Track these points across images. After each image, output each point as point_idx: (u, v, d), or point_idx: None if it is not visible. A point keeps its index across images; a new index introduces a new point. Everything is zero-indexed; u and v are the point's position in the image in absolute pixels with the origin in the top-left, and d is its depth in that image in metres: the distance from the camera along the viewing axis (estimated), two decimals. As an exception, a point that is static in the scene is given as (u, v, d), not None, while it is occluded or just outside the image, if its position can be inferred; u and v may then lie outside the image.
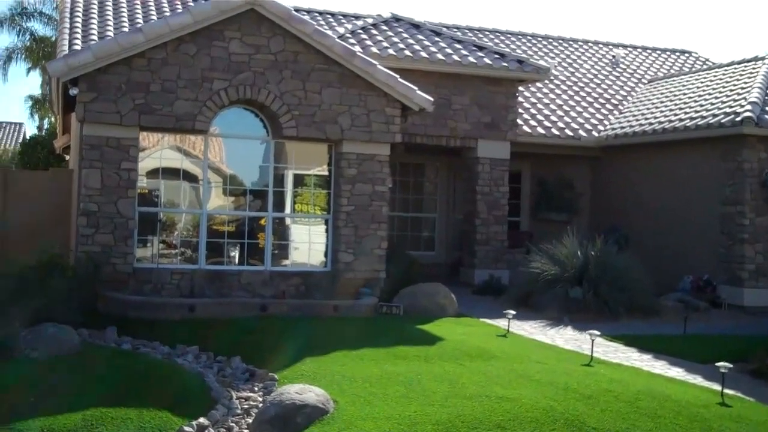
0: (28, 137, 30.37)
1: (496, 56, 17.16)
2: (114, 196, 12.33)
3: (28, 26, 29.24)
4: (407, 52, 16.33)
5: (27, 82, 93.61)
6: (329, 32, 15.97)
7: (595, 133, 18.72)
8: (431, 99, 13.77)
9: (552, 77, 21.46)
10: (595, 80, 22.28)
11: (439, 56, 16.51)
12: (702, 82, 19.22)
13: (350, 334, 10.62)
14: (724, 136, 15.47)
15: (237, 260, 13.44)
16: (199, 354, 10.13)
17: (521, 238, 18.04)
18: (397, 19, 18.34)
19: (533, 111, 19.21)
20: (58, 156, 22.77)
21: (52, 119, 24.78)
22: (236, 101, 12.89)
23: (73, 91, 12.15)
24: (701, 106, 17.06)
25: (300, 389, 7.49)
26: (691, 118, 16.52)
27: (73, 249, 12.59)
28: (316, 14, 20.08)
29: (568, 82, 21.61)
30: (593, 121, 19.36)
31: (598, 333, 10.34)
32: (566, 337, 11.81)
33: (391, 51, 16.25)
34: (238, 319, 11.56)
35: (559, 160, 19.26)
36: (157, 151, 13.25)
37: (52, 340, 8.85)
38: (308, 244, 13.80)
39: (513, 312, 11.91)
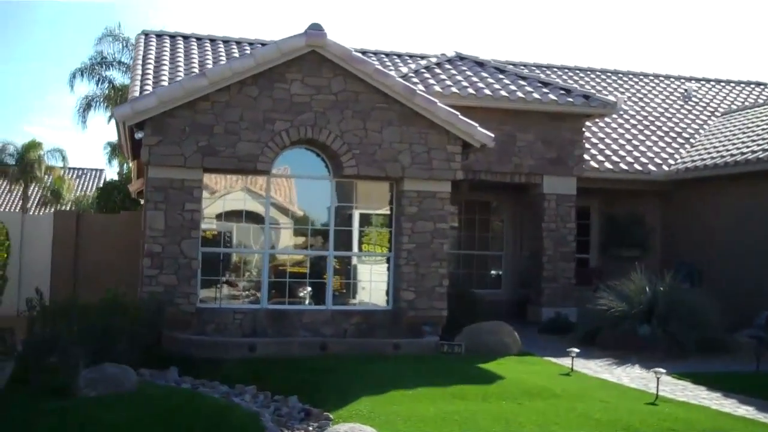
0: (105, 182, 31.26)
1: (562, 92, 17.02)
2: (178, 237, 12.55)
3: (107, 75, 30.17)
4: (470, 90, 16.33)
5: (107, 129, 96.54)
6: (393, 72, 16.18)
7: (665, 167, 18.34)
8: (492, 135, 13.70)
9: (621, 112, 21.21)
10: (666, 114, 21.89)
11: (503, 93, 16.45)
12: (776, 114, 18.73)
13: (408, 373, 10.51)
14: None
15: (301, 300, 13.47)
16: (257, 393, 10.11)
17: (589, 275, 17.71)
18: (461, 57, 18.39)
19: (601, 146, 18.95)
20: (134, 200, 23.35)
21: (130, 164, 25.57)
22: (297, 141, 13.04)
23: (138, 135, 12.48)
24: (775, 138, 16.59)
25: (350, 428, 7.42)
26: (764, 150, 16.05)
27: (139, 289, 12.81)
28: (383, 56, 20.26)
29: (638, 117, 21.28)
30: (663, 155, 19.00)
31: (664, 371, 10.05)
32: (632, 376, 11.47)
33: (453, 89, 16.28)
34: (298, 358, 11.57)
35: (628, 195, 18.92)
36: (227, 193, 13.48)
37: (111, 379, 8.95)
38: (370, 282, 13.79)
39: (577, 350, 11.66)
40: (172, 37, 20.61)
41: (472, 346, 12.61)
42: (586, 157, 17.92)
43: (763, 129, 17.91)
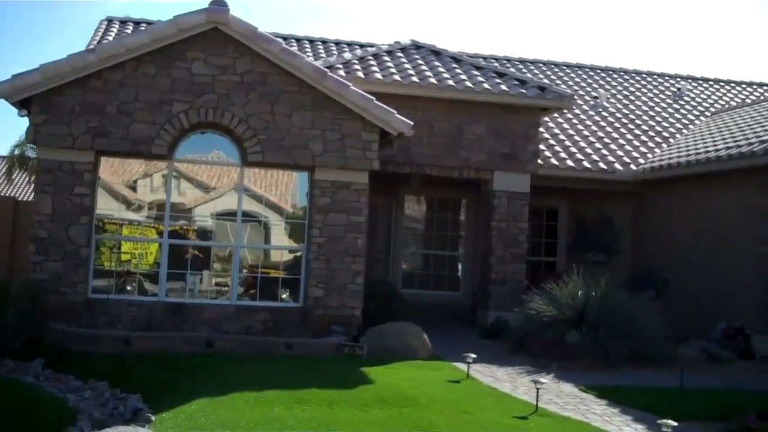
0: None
1: (516, 83, 15.93)
2: (66, 222, 11.82)
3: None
4: (414, 78, 15.32)
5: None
6: (336, 58, 15.35)
7: (633, 167, 17.10)
8: (411, 123, 12.73)
9: (601, 108, 20.10)
10: (652, 112, 20.62)
11: (450, 82, 15.42)
12: (762, 113, 17.40)
13: (278, 374, 9.62)
14: (761, 166, 13.69)
15: (200, 293, 12.66)
16: (105, 391, 9.26)
17: (544, 278, 16.53)
18: (417, 46, 17.39)
19: (568, 143, 17.80)
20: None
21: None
22: (198, 125, 12.23)
23: (21, 114, 11.77)
24: (747, 137, 15.31)
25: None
26: (728, 147, 14.81)
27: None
28: (331, 44, 19.31)
29: (618, 114, 20.05)
30: (635, 154, 17.76)
31: (546, 380, 9.17)
32: (535, 387, 10.25)
33: (396, 77, 15.29)
34: (174, 354, 10.76)
35: (598, 196, 17.72)
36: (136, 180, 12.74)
37: None
38: (280, 277, 12.87)
39: (473, 355, 10.66)
40: (137, 23, 19.98)
41: (377, 349, 11.64)
42: (547, 153, 16.85)
43: (740, 128, 16.62)
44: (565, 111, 18.00)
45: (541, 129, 17.78)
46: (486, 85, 15.53)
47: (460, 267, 18.11)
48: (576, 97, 18.91)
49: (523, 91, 15.60)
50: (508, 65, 21.24)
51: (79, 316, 11.83)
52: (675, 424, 7.53)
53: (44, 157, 11.86)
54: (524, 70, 21.16)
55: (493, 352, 12.72)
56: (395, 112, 12.56)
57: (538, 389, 8.91)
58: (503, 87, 15.57)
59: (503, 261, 15.75)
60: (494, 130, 15.77)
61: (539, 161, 16.31)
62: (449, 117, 15.59)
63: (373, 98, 12.50)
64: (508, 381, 10.61)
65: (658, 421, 7.58)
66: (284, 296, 12.83)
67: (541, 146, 17.10)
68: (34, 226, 11.78)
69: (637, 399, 9.77)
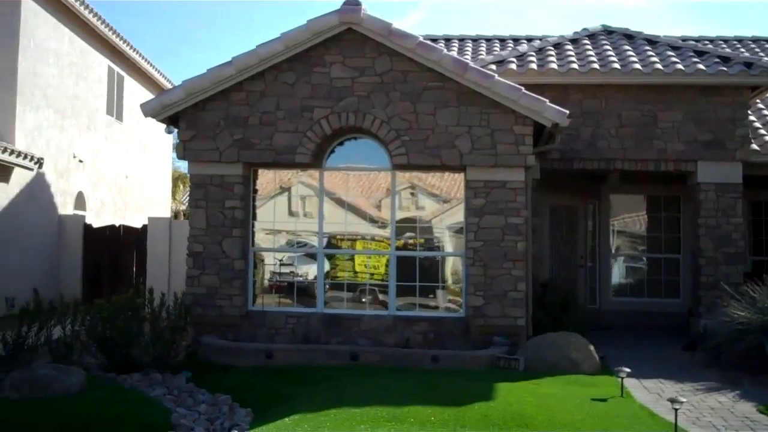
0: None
1: (716, 61, 13.99)
2: (219, 236, 11.88)
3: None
4: (595, 65, 13.93)
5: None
6: (510, 51, 14.43)
7: None
8: (566, 112, 11.43)
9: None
10: None
11: (636, 66, 13.84)
12: None
13: (399, 389, 8.86)
14: None
15: (362, 305, 12.17)
16: (223, 405, 9.03)
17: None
18: (608, 31, 15.91)
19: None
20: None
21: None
22: (339, 130, 11.81)
23: (168, 131, 12.02)
24: None
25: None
26: None
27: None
28: (523, 41, 17.98)
29: None
30: None
31: (725, 399, 7.56)
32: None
33: (574, 65, 13.99)
34: (312, 367, 10.37)
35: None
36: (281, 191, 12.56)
37: (40, 381, 8.33)
38: (441, 286, 12.08)
39: (627, 370, 9.26)
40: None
41: (534, 362, 10.54)
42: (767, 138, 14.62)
43: None
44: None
45: (758, 109, 15.70)
46: (679, 66, 13.77)
47: (680, 271, 16.19)
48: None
49: (724, 69, 13.64)
50: (724, 46, 18.82)
51: (239, 329, 11.83)
52: None
53: (195, 172, 12.00)
54: (742, 49, 18.62)
55: (683, 366, 11.21)
56: (546, 101, 11.37)
57: (676, 410, 7.44)
58: (700, 66, 13.73)
59: (714, 262, 13.83)
60: (693, 116, 13.95)
61: (754, 146, 14.20)
62: (639, 105, 14.04)
63: (522, 88, 11.39)
64: (685, 400, 9.03)
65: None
66: (444, 306, 12.02)
67: (762, 130, 14.93)
68: (191, 240, 11.93)
69: None
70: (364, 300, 12.17)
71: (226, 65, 11.71)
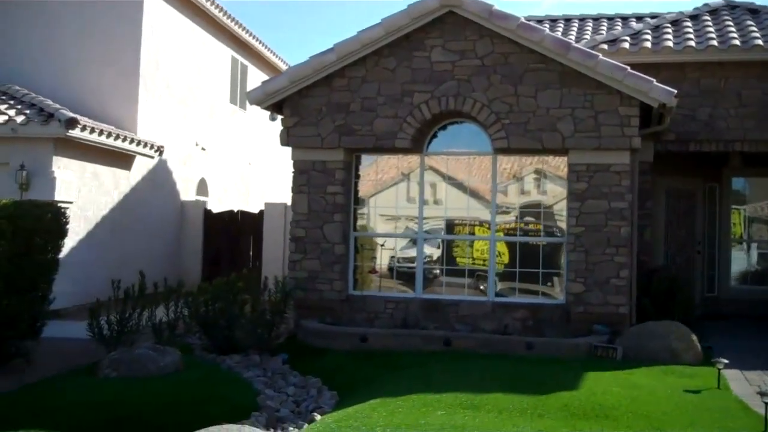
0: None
1: None
2: (320, 221, 12.08)
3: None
4: (714, 42, 13.30)
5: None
6: (619, 29, 14.00)
7: None
8: (673, 91, 10.97)
9: None
10: None
11: (758, 42, 13.12)
12: None
13: (485, 376, 8.78)
14: None
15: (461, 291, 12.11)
16: (311, 387, 9.22)
17: None
18: (732, 6, 15.16)
19: None
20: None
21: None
22: (439, 114, 11.76)
23: (272, 118, 12.26)
24: None
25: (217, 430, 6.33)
26: None
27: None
28: (632, 19, 17.29)
29: None
30: None
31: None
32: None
33: (691, 42, 13.40)
34: (404, 352, 10.42)
35: None
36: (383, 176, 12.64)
37: (136, 361, 8.67)
38: (540, 272, 11.86)
39: (725, 361, 8.81)
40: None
41: (633, 351, 10.22)
42: None
43: None
44: None
45: None
46: (806, 41, 12.97)
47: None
48: None
49: None
50: None
51: (338, 313, 12.00)
52: None
53: (298, 159, 12.22)
54: None
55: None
56: (653, 80, 10.94)
57: (766, 404, 7.05)
58: (830, 39, 12.89)
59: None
60: (826, 92, 13.12)
61: None
62: (761, 83, 13.35)
63: (627, 67, 11.01)
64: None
65: None
66: (545, 292, 11.81)
67: None
68: (293, 225, 12.18)
69: None
70: (475, 286, 12.09)
71: (328, 52, 11.84)
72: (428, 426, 6.76)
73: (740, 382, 8.89)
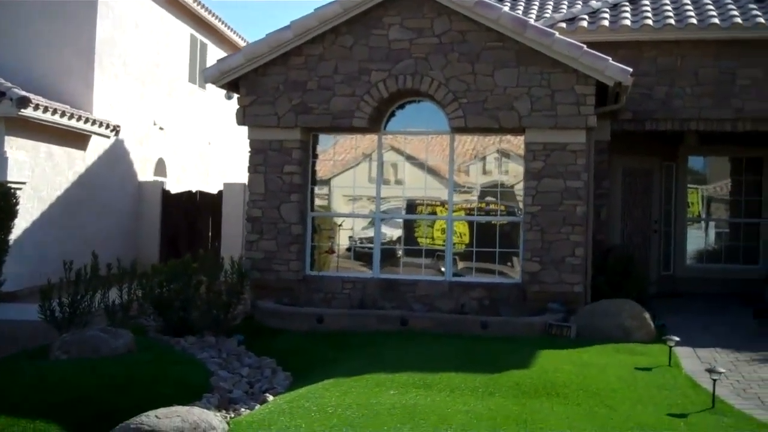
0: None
1: (802, 11, 13.20)
2: (277, 201, 11.98)
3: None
4: (671, 21, 13.33)
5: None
6: (580, 7, 13.97)
7: None
8: (629, 69, 10.99)
9: None
10: None
11: (714, 21, 13.17)
12: None
13: (438, 355, 8.81)
14: None
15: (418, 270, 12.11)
16: (266, 368, 9.16)
17: None
18: (691, -17, 15.17)
19: None
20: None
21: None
22: (396, 93, 11.70)
23: (228, 97, 12.13)
24: None
25: (166, 413, 6.23)
26: None
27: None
28: None
29: None
30: None
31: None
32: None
33: (648, 21, 13.42)
34: (362, 332, 10.42)
35: None
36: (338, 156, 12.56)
37: (87, 342, 8.53)
38: (497, 252, 11.88)
39: (676, 338, 8.90)
40: None
41: (586, 329, 10.30)
42: None
43: None
44: None
45: None
46: (761, 20, 13.04)
47: (759, 236, 15.51)
48: None
49: (810, 19, 12.86)
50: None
51: (295, 293, 11.94)
52: None
53: (254, 138, 12.10)
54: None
55: (748, 335, 10.76)
56: (609, 59, 10.95)
57: (714, 381, 7.14)
58: (783, 16, 12.97)
59: (791, 227, 13.18)
60: (775, 72, 13.22)
61: None
62: (716, 62, 13.41)
63: (583, 46, 11.02)
64: (724, 369, 8.65)
65: None
66: (500, 271, 11.84)
67: None
68: (249, 206, 12.08)
69: None
70: (434, 266, 12.09)
71: (285, 29, 11.71)
72: (379, 405, 6.75)
73: (691, 360, 8.98)
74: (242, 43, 23.49)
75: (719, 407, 7.00)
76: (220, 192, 17.38)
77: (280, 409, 6.72)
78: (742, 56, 13.30)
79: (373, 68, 11.67)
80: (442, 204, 12.06)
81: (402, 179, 12.43)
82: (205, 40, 21.89)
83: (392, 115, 12.13)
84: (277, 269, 11.93)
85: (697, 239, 15.90)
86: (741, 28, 13.02)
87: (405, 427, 6.13)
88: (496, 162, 12.25)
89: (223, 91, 15.74)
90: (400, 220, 12.27)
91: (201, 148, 21.84)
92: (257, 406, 7.43)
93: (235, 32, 23.20)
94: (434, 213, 12.16)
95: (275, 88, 11.91)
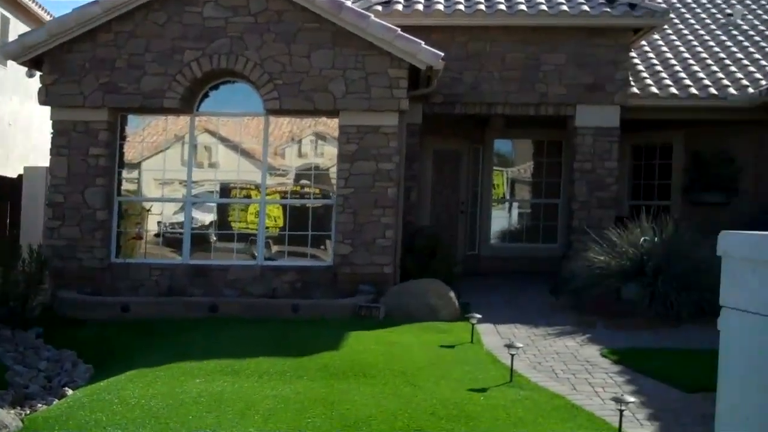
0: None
1: (601, 2, 13.94)
2: (81, 185, 11.49)
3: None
4: (481, 7, 13.76)
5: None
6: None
7: (750, 90, 14.56)
8: (441, 54, 11.29)
9: (731, 27, 17.55)
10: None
11: (522, 7, 13.72)
12: None
13: (250, 340, 8.77)
14: None
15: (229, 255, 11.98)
16: (66, 362, 8.77)
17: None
18: (499, -28, 15.71)
19: (679, 67, 15.31)
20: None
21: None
22: (210, 73, 11.47)
23: (30, 75, 11.52)
24: None
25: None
26: None
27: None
28: None
29: (751, 32, 17.30)
30: (758, 75, 15.14)
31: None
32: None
33: (461, 6, 13.81)
34: (171, 320, 10.15)
35: (718, 128, 15.29)
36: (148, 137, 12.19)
37: None
38: (310, 235, 11.94)
39: (478, 316, 9.31)
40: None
41: (395, 309, 10.53)
42: (649, 81, 14.71)
43: None
44: (666, 29, 15.93)
45: (644, 52, 16.00)
46: (564, 8, 13.69)
47: (558, 216, 16.37)
48: (696, 14, 16.55)
49: (608, 10, 13.62)
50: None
51: (100, 282, 11.51)
52: (632, 400, 6.01)
53: (57, 118, 11.54)
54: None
55: (546, 310, 11.33)
56: (422, 43, 11.20)
57: (512, 356, 7.51)
58: (584, 8, 13.67)
59: (587, 206, 13.98)
60: (576, 59, 13.94)
61: (635, 90, 14.29)
62: (524, 47, 13.97)
63: (397, 29, 11.20)
64: (522, 344, 9.12)
65: (620, 396, 6.00)
66: (313, 254, 11.92)
67: (644, 73, 15.06)
68: (51, 190, 11.53)
69: (662, 365, 8.10)
70: (248, 250, 11.98)
71: (93, 4, 11.21)
72: (185, 394, 6.66)
73: (492, 336, 9.40)
74: (49, 19, 22.29)
75: (517, 380, 7.37)
76: (20, 176, 16.43)
77: (80, 403, 6.50)
78: (546, 43, 13.92)
79: (187, 47, 11.39)
80: (257, 187, 11.97)
81: (216, 162, 12.26)
82: (8, 14, 20.60)
83: (206, 95, 11.90)
84: (80, 257, 11.46)
85: (502, 220, 16.58)
86: (546, 15, 13.62)
87: (210, 416, 6.08)
88: (312, 145, 12.29)
89: (23, 69, 14.85)
90: (213, 205, 12.09)
91: (1, 128, 20.57)
92: (55, 401, 7.15)
93: (42, 7, 21.95)
94: (249, 197, 12.06)
95: (81, 66, 11.40)
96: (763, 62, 15.75)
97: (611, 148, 13.96)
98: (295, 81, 11.39)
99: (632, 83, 14.41)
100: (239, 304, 10.68)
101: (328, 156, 12.05)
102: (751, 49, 16.42)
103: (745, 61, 15.75)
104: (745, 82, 14.76)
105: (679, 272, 10.41)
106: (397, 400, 6.62)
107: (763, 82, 14.74)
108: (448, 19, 13.70)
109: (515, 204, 16.77)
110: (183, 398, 6.53)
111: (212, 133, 12.07)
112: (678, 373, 7.69)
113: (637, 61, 15.55)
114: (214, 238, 12.03)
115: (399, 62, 11.33)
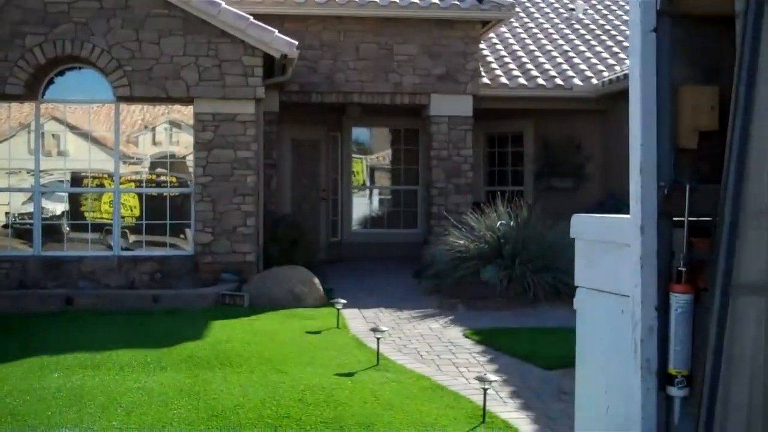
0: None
1: (453, -6, 14.26)
2: None
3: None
4: (334, -4, 13.80)
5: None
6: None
7: (594, 81, 15.29)
8: (294, 42, 11.28)
9: (574, 21, 18.32)
10: (611, 16, 18.69)
11: (374, -3, 13.85)
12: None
13: (110, 333, 8.50)
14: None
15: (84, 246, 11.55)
16: None
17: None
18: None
19: (526, 59, 16.03)
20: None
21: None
22: (54, 59, 10.99)
23: None
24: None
25: None
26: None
27: None
28: None
29: (593, 26, 18.19)
30: (600, 67, 15.89)
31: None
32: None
33: (311, -5, 13.79)
34: (23, 314, 9.72)
35: (565, 117, 15.99)
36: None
37: None
38: (168, 224, 11.65)
39: (343, 301, 9.38)
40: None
41: (259, 297, 10.43)
42: (498, 72, 15.20)
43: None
44: (513, 22, 16.59)
45: (493, 44, 16.46)
46: (415, 0, 13.92)
47: (417, 202, 16.65)
48: (537, 8, 17.20)
49: (456, 3, 13.94)
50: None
51: (-55, 277, 10.86)
52: (495, 378, 6.22)
53: None
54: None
55: (409, 294, 11.51)
56: (275, 31, 11.12)
57: (378, 339, 7.60)
58: (434, 0, 13.93)
59: (445, 193, 14.30)
60: (428, 50, 14.19)
61: (486, 80, 14.74)
62: (377, 38, 14.09)
63: (250, 17, 11.08)
64: (387, 327, 9.24)
65: (484, 375, 6.17)
66: (173, 244, 11.64)
67: (494, 64, 15.55)
68: None
69: (522, 344, 8.38)
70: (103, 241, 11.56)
71: None
72: (43, 390, 6.38)
73: (358, 320, 9.48)
74: None
75: (383, 363, 7.44)
76: None
77: None
78: (399, 33, 14.10)
79: (29, 31, 10.89)
80: (110, 176, 11.57)
81: (65, 151, 11.79)
82: None
83: (51, 81, 11.39)
84: None
85: (363, 206, 16.72)
86: (397, 6, 13.80)
87: (71, 410, 5.85)
88: (166, 132, 12.02)
89: None
90: (65, 194, 11.61)
91: None
92: None
93: None
94: (102, 186, 11.64)
95: None
96: (605, 55, 16.54)
97: (466, 136, 14.30)
98: (145, 68, 11.08)
99: (483, 74, 14.83)
100: (96, 296, 10.35)
101: (184, 144, 11.80)
102: (593, 42, 17.21)
103: (588, 54, 16.50)
104: (588, 73, 15.46)
105: (534, 255, 10.79)
106: (265, 387, 6.56)
107: (606, 74, 15.47)
108: (301, 8, 13.65)
109: (375, 191, 16.94)
110: (42, 394, 6.25)
111: (60, 121, 11.57)
112: (537, 352, 7.97)
113: (487, 53, 16.04)
114: (67, 229, 11.56)
115: (253, 50, 11.22)
